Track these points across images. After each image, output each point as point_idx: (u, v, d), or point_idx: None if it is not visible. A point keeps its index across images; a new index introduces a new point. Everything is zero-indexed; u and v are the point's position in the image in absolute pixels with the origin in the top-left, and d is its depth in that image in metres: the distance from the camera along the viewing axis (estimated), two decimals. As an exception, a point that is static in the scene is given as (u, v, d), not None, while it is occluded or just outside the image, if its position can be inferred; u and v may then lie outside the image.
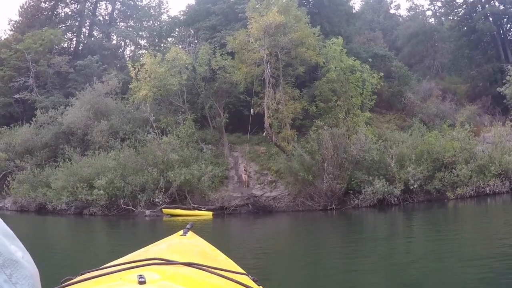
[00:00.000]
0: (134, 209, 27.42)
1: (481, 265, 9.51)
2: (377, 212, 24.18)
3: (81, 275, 1.85)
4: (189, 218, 24.58)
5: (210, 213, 26.49)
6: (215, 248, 2.70)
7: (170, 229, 20.52)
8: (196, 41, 39.58)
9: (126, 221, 25.50)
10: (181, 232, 2.82)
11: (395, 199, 25.56)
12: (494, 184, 25.25)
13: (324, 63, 31.84)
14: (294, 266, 11.63)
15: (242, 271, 2.30)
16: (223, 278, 1.89)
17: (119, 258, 2.15)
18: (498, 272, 8.76)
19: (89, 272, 1.84)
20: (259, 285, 2.23)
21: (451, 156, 26.35)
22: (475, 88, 43.18)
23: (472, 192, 25.31)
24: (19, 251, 0.87)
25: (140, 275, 1.56)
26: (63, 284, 1.72)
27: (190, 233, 2.82)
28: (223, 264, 2.25)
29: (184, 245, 2.54)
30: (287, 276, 10.21)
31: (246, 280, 2.11)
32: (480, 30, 43.66)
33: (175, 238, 2.75)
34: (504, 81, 37.01)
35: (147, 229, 23.03)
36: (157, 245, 2.50)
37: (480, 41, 46.54)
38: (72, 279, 1.79)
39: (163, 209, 26.93)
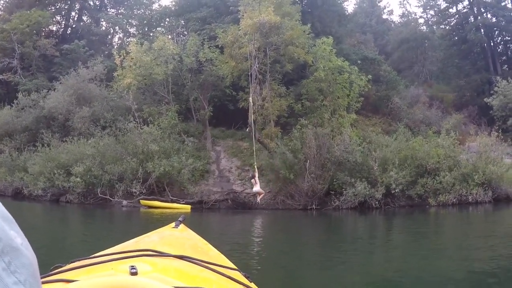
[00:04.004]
0: (111, 199, 26.88)
1: (459, 268, 9.64)
2: (358, 215, 24.02)
3: (71, 263, 1.87)
4: (167, 210, 24.28)
5: (188, 206, 26.01)
6: (207, 242, 2.72)
7: (148, 221, 20.34)
8: (185, 32, 39.10)
9: (103, 211, 25.04)
10: (173, 224, 2.84)
11: (376, 202, 25.35)
12: (477, 193, 25.12)
13: (312, 62, 31.51)
14: (275, 262, 11.50)
15: (234, 266, 2.33)
16: (215, 273, 1.91)
17: (104, 248, 2.19)
18: (475, 276, 8.83)
19: (79, 260, 1.85)
20: (250, 282, 2.24)
21: (434, 163, 26.20)
22: (462, 97, 43.46)
23: (454, 200, 25.17)
24: (18, 237, 0.78)
25: (132, 266, 1.58)
26: (53, 272, 1.71)
27: (182, 226, 2.84)
28: (215, 259, 2.25)
29: (176, 237, 2.56)
30: (271, 272, 10.10)
31: (238, 276, 2.14)
32: (471, 40, 44.09)
33: (167, 230, 2.76)
34: (491, 92, 37.18)
35: (125, 220, 22.66)
36: (148, 237, 2.54)
37: (470, 51, 47.01)
38: (62, 267, 1.77)
39: (141, 200, 26.40)
